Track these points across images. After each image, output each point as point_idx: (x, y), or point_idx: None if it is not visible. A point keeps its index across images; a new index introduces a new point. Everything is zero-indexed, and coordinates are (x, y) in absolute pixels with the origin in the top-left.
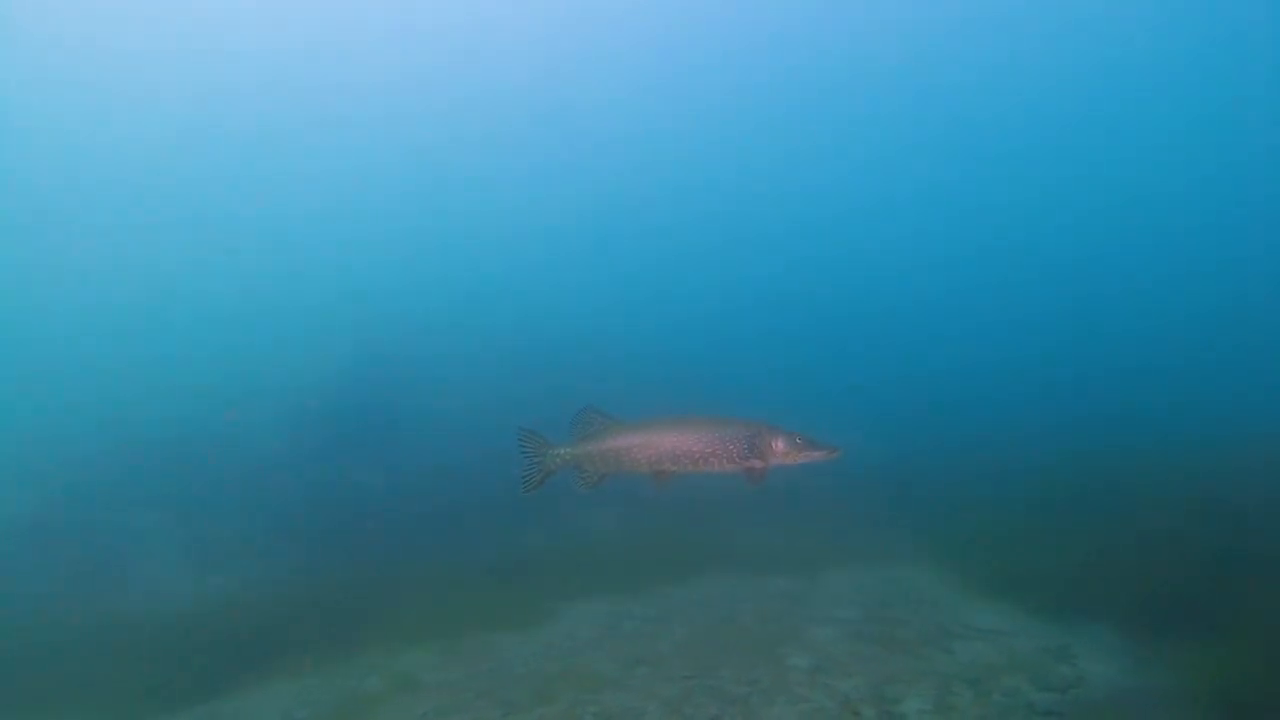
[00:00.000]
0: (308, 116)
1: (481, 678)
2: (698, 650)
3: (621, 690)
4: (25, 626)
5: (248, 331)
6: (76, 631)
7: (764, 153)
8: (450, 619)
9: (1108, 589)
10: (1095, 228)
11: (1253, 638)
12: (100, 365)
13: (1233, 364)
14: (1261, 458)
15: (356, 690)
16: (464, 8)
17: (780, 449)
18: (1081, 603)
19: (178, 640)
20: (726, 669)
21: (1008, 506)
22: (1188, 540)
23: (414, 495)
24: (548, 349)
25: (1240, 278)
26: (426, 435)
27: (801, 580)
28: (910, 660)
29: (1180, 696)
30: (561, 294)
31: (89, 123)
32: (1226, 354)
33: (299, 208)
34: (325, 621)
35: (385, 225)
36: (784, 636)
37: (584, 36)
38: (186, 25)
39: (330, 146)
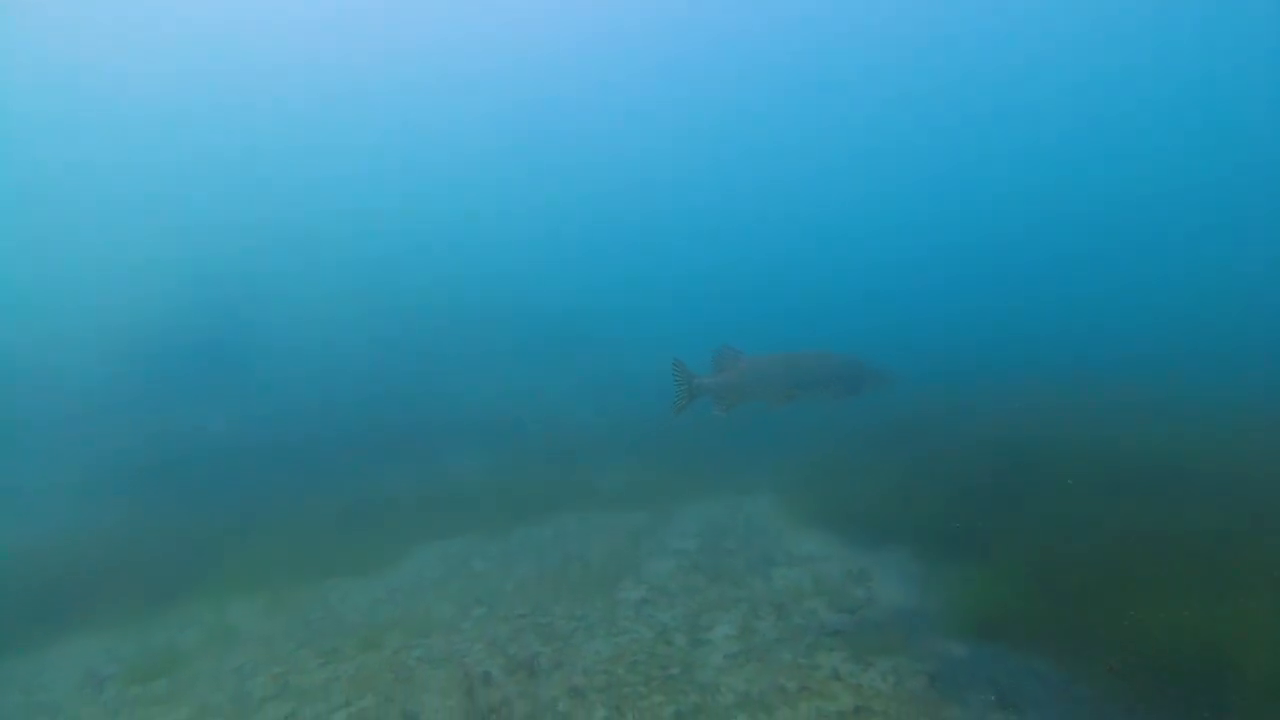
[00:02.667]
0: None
1: (309, 626)
2: (539, 588)
3: (453, 633)
4: None
5: (73, 262)
6: None
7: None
8: (288, 565)
9: (910, 518)
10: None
11: (1007, 563)
12: None
13: (1049, 317)
14: (1060, 401)
15: (170, 644)
16: None
17: (872, 376)
18: (888, 530)
19: None
20: (561, 606)
21: (842, 442)
22: (983, 473)
23: (260, 436)
24: (410, 284)
25: (1066, 230)
26: (278, 373)
27: (654, 515)
28: (731, 588)
29: (946, 616)
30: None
31: None
32: (1047, 307)
33: (130, 125)
34: (146, 571)
35: (237, 150)
36: (623, 571)
37: None
38: None
39: (172, 62)
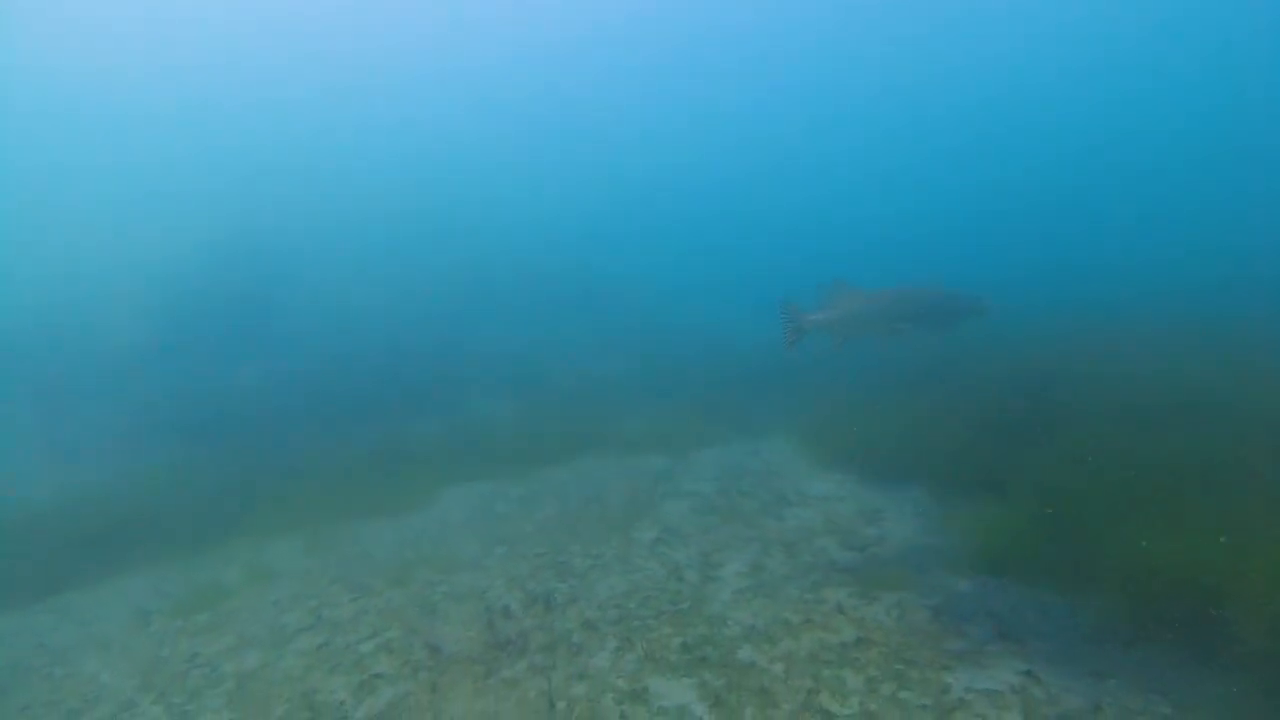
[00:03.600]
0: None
1: (342, 564)
2: (558, 529)
3: (476, 571)
4: None
5: (119, 215)
6: None
7: None
8: (322, 508)
9: (926, 457)
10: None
11: (1018, 499)
12: None
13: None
14: (1082, 334)
15: (213, 581)
16: None
17: (971, 308)
18: (904, 470)
19: (28, 533)
20: (578, 545)
21: (860, 383)
22: (1000, 411)
23: (293, 386)
24: (440, 241)
25: (1077, 170)
26: (312, 323)
27: (672, 458)
28: (744, 528)
29: (955, 552)
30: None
31: None
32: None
33: (172, 83)
34: (191, 514)
35: (272, 100)
36: (641, 512)
37: None
38: None
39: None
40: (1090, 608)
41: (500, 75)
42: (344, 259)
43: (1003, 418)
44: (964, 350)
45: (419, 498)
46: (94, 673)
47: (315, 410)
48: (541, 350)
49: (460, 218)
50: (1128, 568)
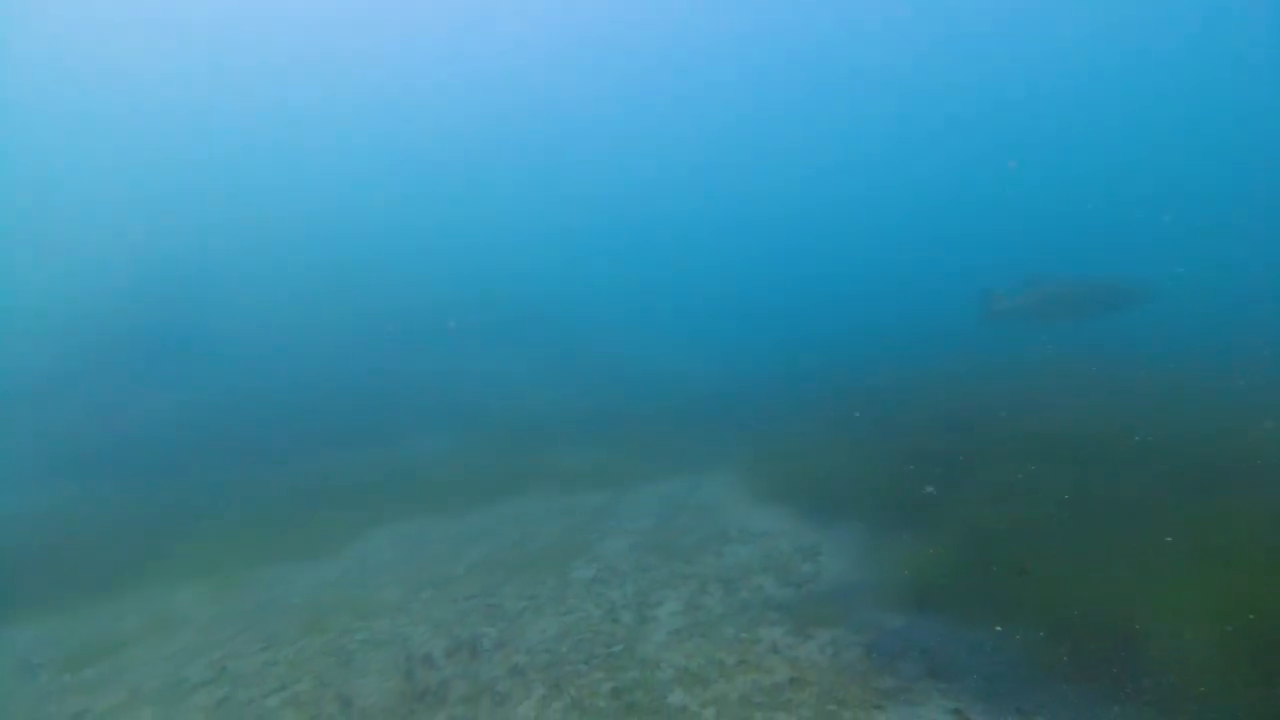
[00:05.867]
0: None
1: (252, 612)
2: (491, 569)
3: (399, 615)
4: None
5: (20, 247)
6: None
7: None
8: (235, 550)
9: (862, 491)
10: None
11: (948, 534)
12: None
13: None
14: (1007, 385)
15: (107, 632)
16: None
17: (1120, 298)
18: (841, 504)
19: None
20: (511, 586)
21: (803, 421)
22: (932, 450)
23: (217, 414)
24: (376, 268)
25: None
26: (238, 348)
27: (613, 495)
28: (682, 565)
29: (887, 588)
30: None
31: None
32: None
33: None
34: (93, 556)
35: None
36: (578, 550)
37: None
38: None
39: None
40: (1015, 643)
41: (455, 91)
42: (275, 279)
43: (934, 450)
44: (898, 383)
45: (342, 538)
46: None
47: (235, 443)
48: (482, 379)
49: (405, 239)
50: (1050, 602)
